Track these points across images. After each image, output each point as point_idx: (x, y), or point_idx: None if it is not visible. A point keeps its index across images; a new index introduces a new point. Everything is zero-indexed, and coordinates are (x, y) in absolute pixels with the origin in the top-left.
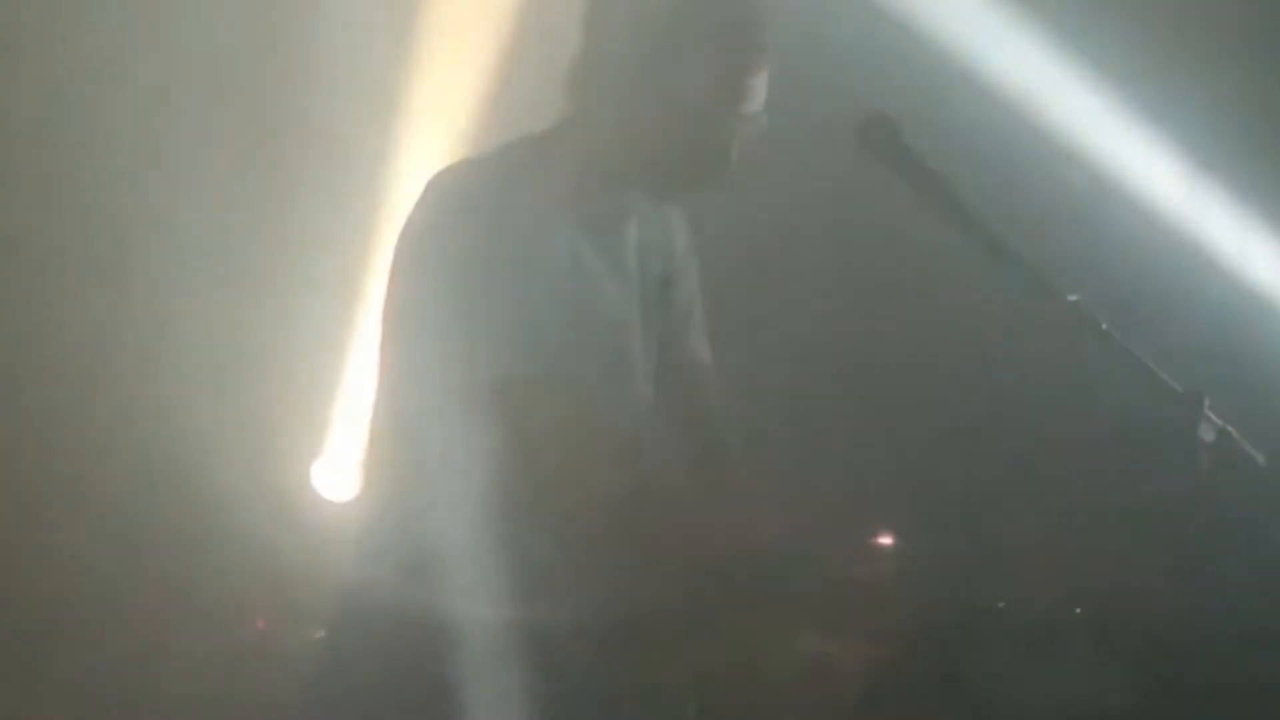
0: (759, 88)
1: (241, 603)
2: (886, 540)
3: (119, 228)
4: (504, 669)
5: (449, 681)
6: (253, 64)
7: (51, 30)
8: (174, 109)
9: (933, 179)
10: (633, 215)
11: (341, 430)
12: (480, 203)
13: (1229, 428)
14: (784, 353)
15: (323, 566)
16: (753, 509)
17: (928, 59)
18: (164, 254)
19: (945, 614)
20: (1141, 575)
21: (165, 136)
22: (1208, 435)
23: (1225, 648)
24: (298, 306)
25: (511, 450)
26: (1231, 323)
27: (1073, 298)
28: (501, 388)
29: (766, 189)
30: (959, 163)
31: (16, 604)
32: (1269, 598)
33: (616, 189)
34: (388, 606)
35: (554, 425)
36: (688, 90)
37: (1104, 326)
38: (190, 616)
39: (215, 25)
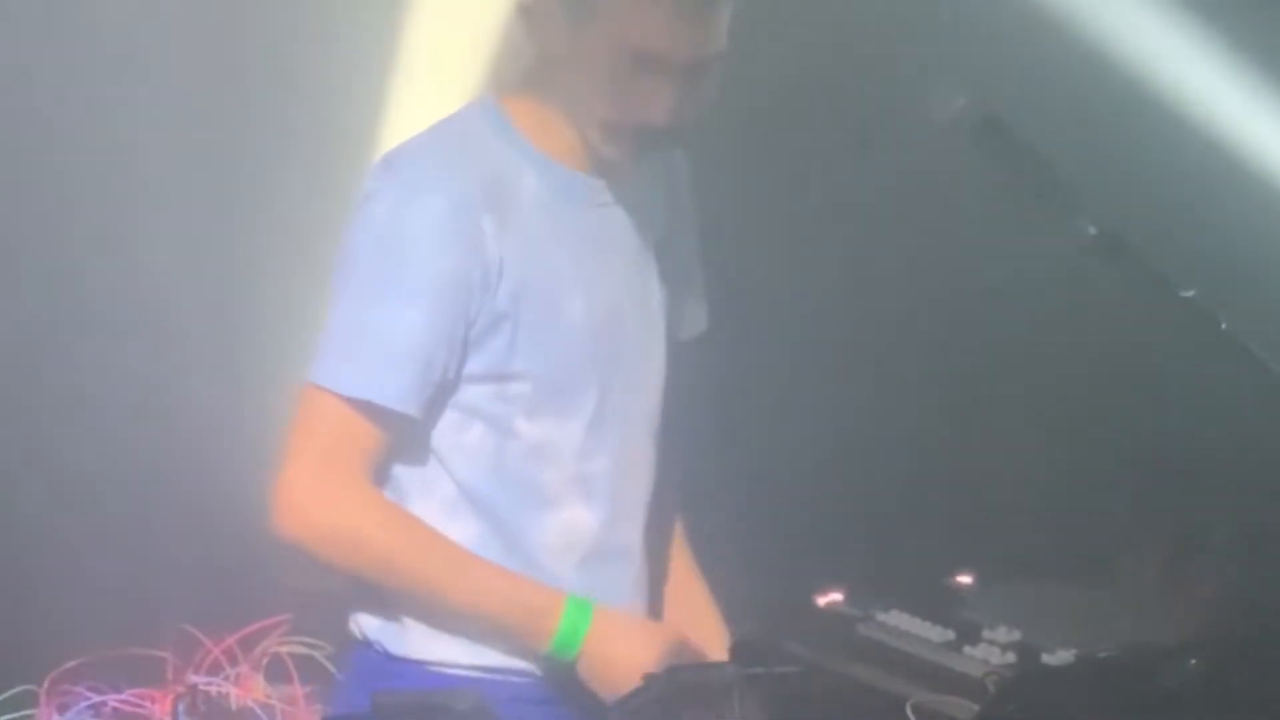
0: (699, 32)
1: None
2: (967, 579)
3: (101, 217)
4: None
5: None
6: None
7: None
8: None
9: (1046, 174)
10: (626, 167)
11: None
12: (423, 182)
13: None
14: (890, 350)
15: None
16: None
17: (1034, 40)
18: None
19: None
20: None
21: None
22: None
23: None
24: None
25: None
26: None
27: (1188, 293)
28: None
29: (871, 186)
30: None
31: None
32: None
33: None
34: None
35: None
36: (609, 24)
37: (1223, 325)
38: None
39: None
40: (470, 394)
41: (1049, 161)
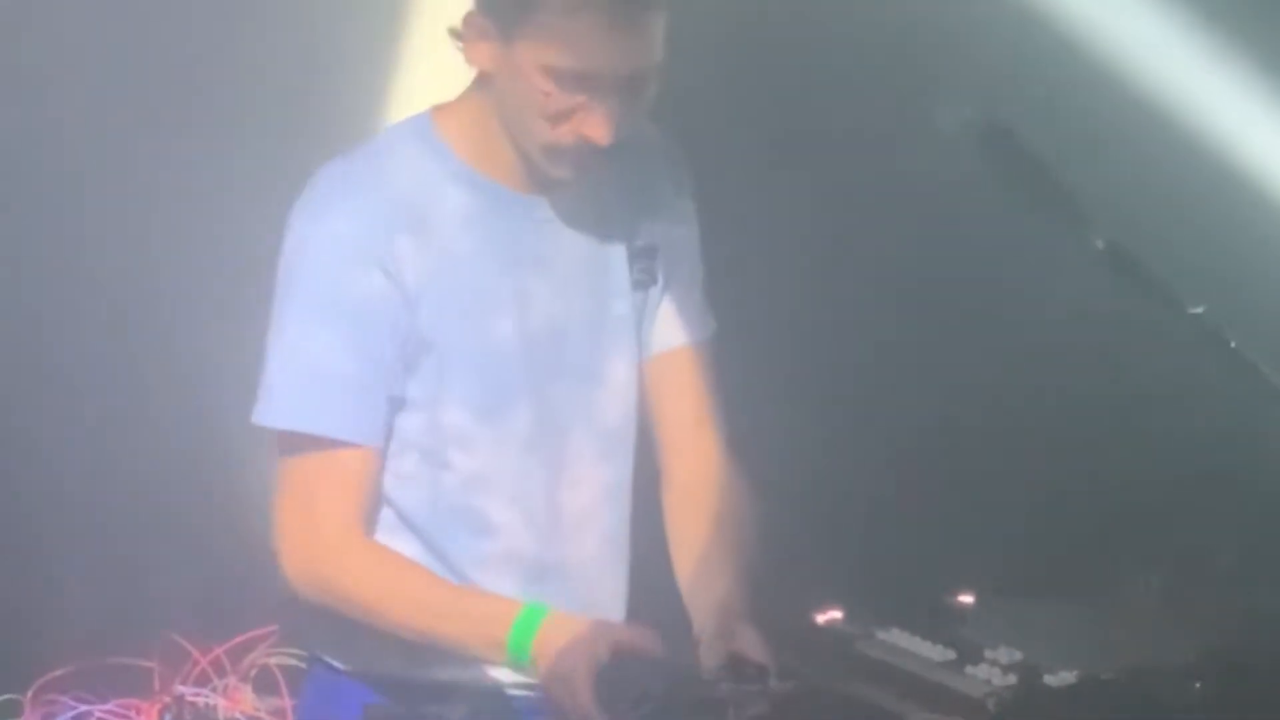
0: (632, 47)
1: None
2: (969, 598)
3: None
4: None
5: None
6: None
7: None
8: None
9: (1054, 187)
10: (584, 178)
11: None
12: (332, 203)
13: None
14: (891, 364)
15: None
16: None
17: (1046, 55)
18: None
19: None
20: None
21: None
22: None
23: None
24: None
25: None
26: None
27: (1197, 309)
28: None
29: (879, 196)
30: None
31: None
32: None
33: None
34: None
35: None
36: (539, 44)
37: (1232, 343)
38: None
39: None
40: (404, 424)
41: (1057, 173)
